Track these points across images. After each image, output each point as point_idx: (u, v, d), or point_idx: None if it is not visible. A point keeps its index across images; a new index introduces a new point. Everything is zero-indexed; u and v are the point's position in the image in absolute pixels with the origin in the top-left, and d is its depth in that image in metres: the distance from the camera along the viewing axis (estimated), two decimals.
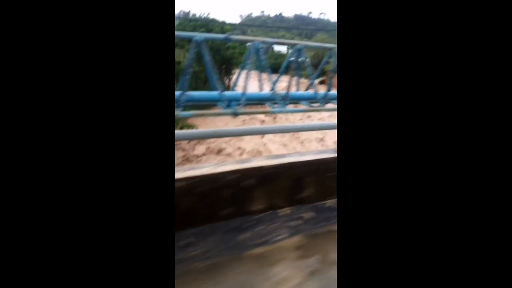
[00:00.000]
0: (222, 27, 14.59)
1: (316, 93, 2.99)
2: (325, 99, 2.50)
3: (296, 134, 11.00)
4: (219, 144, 10.27)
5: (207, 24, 14.20)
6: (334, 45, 2.31)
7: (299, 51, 2.22)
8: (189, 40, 1.77)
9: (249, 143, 10.40)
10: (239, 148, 9.94)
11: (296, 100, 3.03)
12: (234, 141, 10.40)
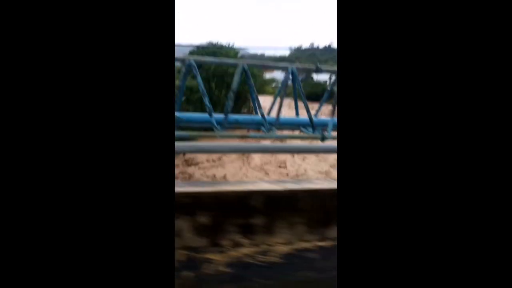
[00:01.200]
0: (227, 53, 15.03)
1: None
2: None
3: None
4: (189, 169, 8.18)
5: (216, 52, 14.72)
6: None
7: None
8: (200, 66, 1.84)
9: (229, 169, 8.44)
10: (214, 176, 8.19)
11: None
12: (215, 167, 8.54)
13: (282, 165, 9.08)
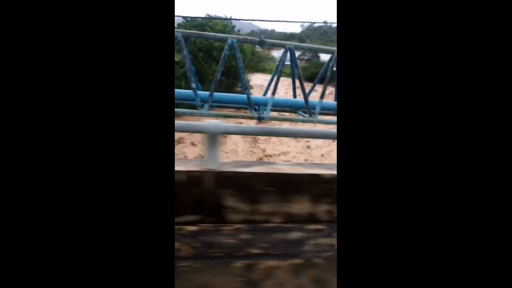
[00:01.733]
0: (214, 27, 14.64)
1: None
2: None
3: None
4: None
5: (203, 25, 14.18)
6: None
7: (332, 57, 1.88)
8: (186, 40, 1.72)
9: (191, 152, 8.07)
10: None
11: (328, 110, 2.73)
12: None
13: (253, 147, 8.93)
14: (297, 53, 1.96)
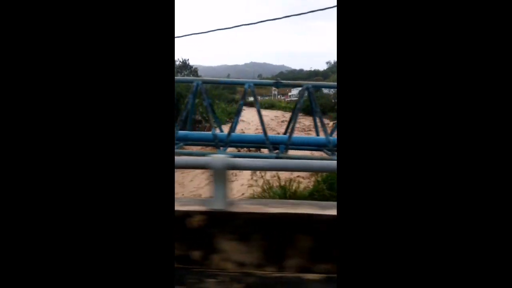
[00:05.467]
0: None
1: (327, 138, 2.64)
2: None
3: None
4: None
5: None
6: None
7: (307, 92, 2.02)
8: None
9: None
10: None
11: (300, 145, 2.73)
12: None
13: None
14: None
